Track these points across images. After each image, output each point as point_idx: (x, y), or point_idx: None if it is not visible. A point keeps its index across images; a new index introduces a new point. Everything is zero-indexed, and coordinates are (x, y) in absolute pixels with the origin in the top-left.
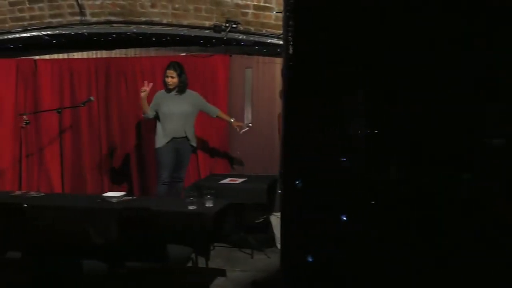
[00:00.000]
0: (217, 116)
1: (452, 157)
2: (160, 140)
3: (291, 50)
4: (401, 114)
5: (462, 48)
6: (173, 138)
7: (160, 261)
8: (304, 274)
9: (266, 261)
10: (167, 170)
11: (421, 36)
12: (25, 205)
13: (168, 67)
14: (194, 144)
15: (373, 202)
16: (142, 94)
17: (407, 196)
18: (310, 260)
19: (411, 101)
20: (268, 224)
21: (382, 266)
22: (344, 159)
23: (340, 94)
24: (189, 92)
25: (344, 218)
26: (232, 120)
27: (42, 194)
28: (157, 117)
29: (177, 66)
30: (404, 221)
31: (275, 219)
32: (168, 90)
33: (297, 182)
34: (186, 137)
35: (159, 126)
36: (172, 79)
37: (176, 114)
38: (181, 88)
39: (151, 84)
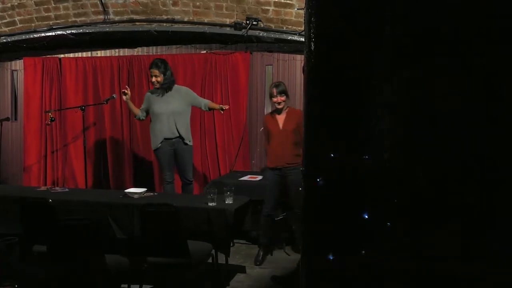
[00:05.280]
0: (209, 108)
1: (483, 158)
2: (153, 141)
3: (313, 47)
4: (426, 110)
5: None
6: (165, 139)
7: (181, 257)
8: (324, 272)
9: (286, 258)
10: (168, 170)
11: (444, 33)
12: (50, 200)
13: (151, 66)
14: (190, 143)
15: (395, 201)
16: (124, 98)
17: (431, 195)
18: (331, 258)
19: (439, 96)
20: (288, 222)
21: (404, 265)
22: (367, 157)
23: (363, 91)
24: (177, 88)
25: (366, 217)
26: (222, 106)
27: (67, 190)
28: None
29: (160, 64)
30: (429, 221)
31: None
32: (156, 89)
33: (318, 180)
34: (179, 136)
35: (150, 127)
36: (156, 78)
37: (165, 114)
38: (166, 86)
39: (127, 88)
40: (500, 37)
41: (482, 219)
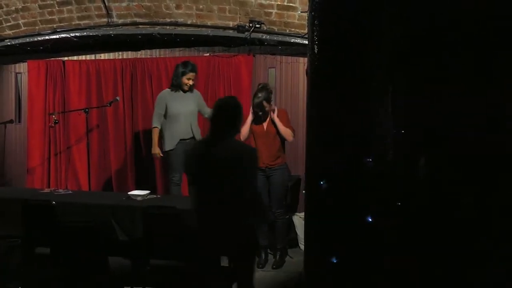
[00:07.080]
0: (208, 116)
1: (481, 158)
2: (168, 142)
3: (316, 49)
4: (427, 112)
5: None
6: (181, 140)
7: (184, 259)
8: (327, 275)
9: (289, 261)
10: (178, 172)
11: (445, 35)
12: (54, 202)
13: (191, 70)
14: None
15: (399, 204)
16: (158, 156)
17: (433, 197)
18: (334, 261)
19: (440, 97)
20: (291, 224)
21: (407, 267)
22: (369, 159)
23: (366, 93)
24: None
25: (369, 219)
26: None
27: (70, 192)
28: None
29: (196, 68)
30: (430, 222)
31: (298, 220)
32: (183, 91)
33: (321, 183)
34: (193, 137)
35: (165, 127)
36: (193, 81)
37: (183, 114)
38: (192, 88)
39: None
40: (500, 38)
41: (482, 219)
